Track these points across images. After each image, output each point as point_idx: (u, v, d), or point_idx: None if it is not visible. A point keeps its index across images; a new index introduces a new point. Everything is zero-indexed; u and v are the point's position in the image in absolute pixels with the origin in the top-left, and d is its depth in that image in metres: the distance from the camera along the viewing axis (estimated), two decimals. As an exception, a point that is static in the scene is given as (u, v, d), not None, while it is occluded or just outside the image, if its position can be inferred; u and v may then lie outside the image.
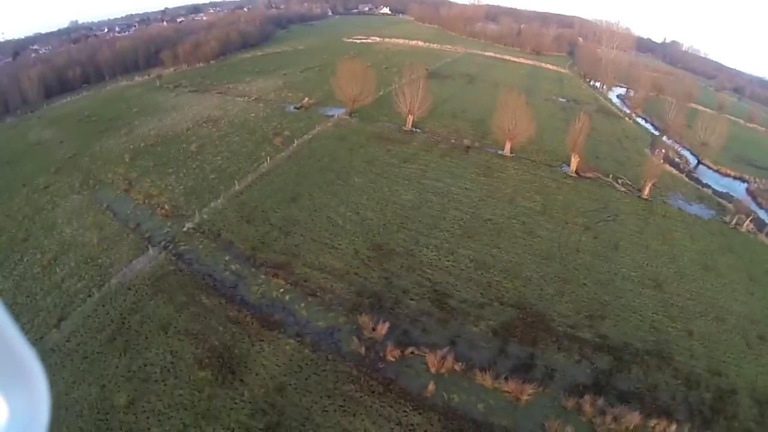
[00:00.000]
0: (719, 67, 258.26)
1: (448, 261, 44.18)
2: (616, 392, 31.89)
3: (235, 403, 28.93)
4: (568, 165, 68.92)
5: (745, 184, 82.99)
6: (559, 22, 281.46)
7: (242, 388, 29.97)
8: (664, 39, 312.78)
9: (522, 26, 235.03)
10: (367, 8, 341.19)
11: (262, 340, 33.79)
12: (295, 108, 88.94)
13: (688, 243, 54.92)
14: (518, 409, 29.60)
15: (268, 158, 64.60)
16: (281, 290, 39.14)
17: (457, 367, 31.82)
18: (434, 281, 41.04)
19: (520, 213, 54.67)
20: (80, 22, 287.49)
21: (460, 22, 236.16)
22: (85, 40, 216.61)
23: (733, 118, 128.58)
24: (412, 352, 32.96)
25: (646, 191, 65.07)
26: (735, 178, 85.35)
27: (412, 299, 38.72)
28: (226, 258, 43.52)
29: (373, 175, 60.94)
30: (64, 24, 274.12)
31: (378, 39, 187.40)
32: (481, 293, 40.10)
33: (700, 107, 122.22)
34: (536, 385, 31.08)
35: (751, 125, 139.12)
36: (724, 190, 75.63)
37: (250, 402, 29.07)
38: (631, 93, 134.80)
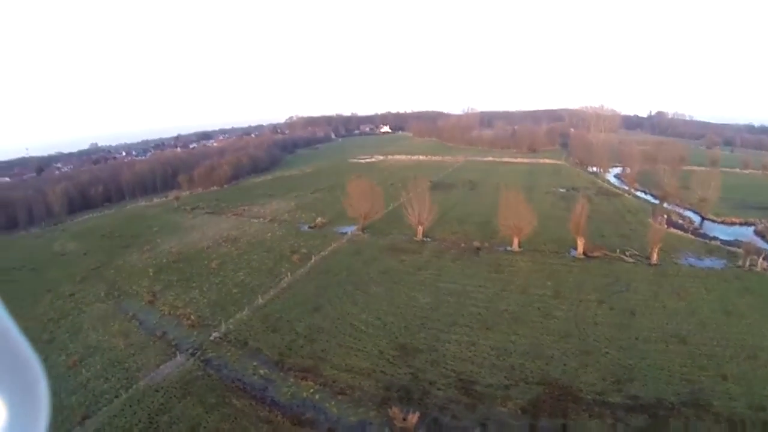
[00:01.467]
0: (706, 126, 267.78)
1: (470, 352, 44.86)
2: None
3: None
4: (575, 249, 70.81)
5: (752, 227, 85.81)
6: (549, 117, 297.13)
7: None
8: (650, 112, 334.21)
9: (515, 127, 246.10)
10: (368, 128, 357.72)
11: None
12: (309, 227, 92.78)
13: (705, 294, 55.80)
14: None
15: (288, 274, 66.91)
16: (311, 390, 39.84)
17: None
18: (458, 371, 41.58)
19: (534, 300, 55.76)
20: (100, 144, 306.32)
21: (457, 132, 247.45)
22: (104, 161, 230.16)
23: (727, 169, 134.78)
24: None
25: (654, 257, 66.68)
26: (741, 224, 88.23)
27: (439, 389, 39.18)
28: (254, 363, 44.59)
29: (390, 284, 62.67)
30: (84, 146, 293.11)
31: (381, 157, 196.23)
32: (505, 376, 40.51)
33: (695, 167, 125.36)
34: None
35: (747, 171, 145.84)
36: (733, 238, 77.71)
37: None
38: (627, 170, 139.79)
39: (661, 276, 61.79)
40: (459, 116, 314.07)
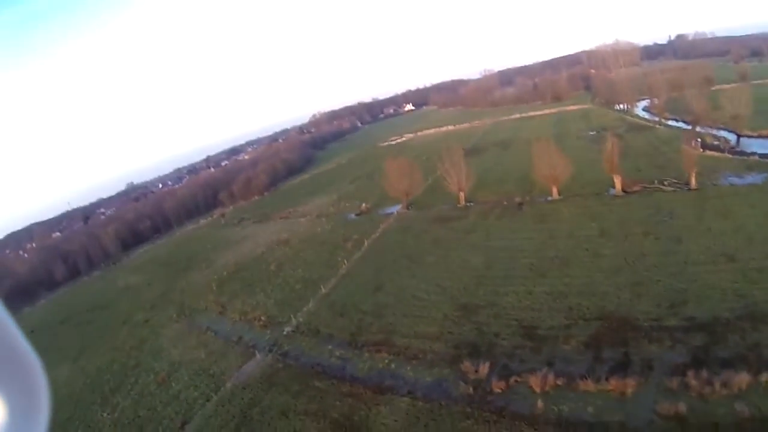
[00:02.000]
0: (730, 40, 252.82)
1: (527, 300, 46.97)
2: (718, 361, 32.72)
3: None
4: (614, 187, 71.62)
5: None
6: (568, 63, 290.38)
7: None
8: (669, 37, 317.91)
9: (536, 80, 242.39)
10: (392, 110, 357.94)
11: (378, 404, 36.95)
12: (355, 215, 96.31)
13: (749, 211, 55.87)
14: (626, 403, 31.19)
15: (345, 261, 70.13)
16: (386, 361, 42.76)
17: (559, 383, 33.98)
18: (520, 319, 43.75)
19: (581, 242, 57.41)
20: (135, 182, 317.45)
21: (479, 96, 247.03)
22: (144, 197, 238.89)
23: (759, 81, 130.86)
24: (515, 381, 35.42)
25: (693, 182, 66.88)
26: None
27: (503, 339, 41.48)
28: (329, 347, 47.81)
29: (443, 251, 65.26)
30: (121, 187, 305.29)
31: (411, 135, 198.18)
32: (564, 317, 42.44)
33: (724, 86, 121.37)
34: (637, 377, 32.80)
35: None
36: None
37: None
38: (654, 101, 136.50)
39: (703, 199, 62.28)
40: (478, 80, 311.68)
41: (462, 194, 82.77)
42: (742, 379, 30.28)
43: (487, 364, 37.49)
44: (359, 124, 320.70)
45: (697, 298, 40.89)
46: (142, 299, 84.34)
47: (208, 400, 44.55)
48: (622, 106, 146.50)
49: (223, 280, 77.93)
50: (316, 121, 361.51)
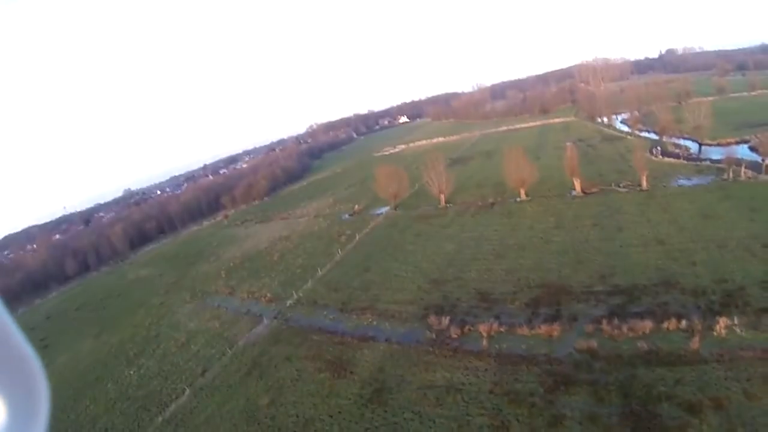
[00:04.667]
0: (718, 54, 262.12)
1: (486, 275, 57.56)
2: (630, 314, 42.08)
3: (349, 384, 41.92)
4: (575, 189, 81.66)
5: (747, 144, 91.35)
6: (560, 77, 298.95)
7: (353, 376, 43.10)
8: (660, 51, 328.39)
9: (526, 94, 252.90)
10: (386, 122, 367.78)
11: (362, 348, 47.34)
12: (349, 215, 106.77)
13: (687, 206, 65.60)
14: (552, 342, 41.15)
15: (339, 251, 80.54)
16: (369, 320, 53.55)
17: (502, 330, 44.34)
18: (478, 288, 54.38)
19: (538, 233, 67.86)
20: (132, 188, 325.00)
21: (470, 109, 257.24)
22: (144, 202, 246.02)
23: (736, 94, 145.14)
24: (469, 329, 45.80)
25: (644, 184, 76.67)
26: (737, 143, 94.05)
27: (463, 302, 52.06)
28: (324, 313, 58.43)
29: (422, 242, 76.07)
30: (118, 193, 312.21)
31: (403, 146, 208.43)
32: (513, 286, 53.02)
33: (702, 99, 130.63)
34: (563, 325, 42.93)
35: (755, 93, 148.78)
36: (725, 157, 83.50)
37: (359, 381, 42.00)
38: (633, 114, 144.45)
39: (650, 198, 72.10)
40: (471, 93, 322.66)
41: (442, 196, 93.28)
42: (647, 325, 39.92)
43: (448, 318, 47.93)
44: (355, 135, 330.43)
45: (624, 271, 50.83)
46: (155, 287, 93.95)
47: (223, 355, 54.51)
48: (603, 119, 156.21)
49: (231, 269, 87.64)
50: (313, 132, 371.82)
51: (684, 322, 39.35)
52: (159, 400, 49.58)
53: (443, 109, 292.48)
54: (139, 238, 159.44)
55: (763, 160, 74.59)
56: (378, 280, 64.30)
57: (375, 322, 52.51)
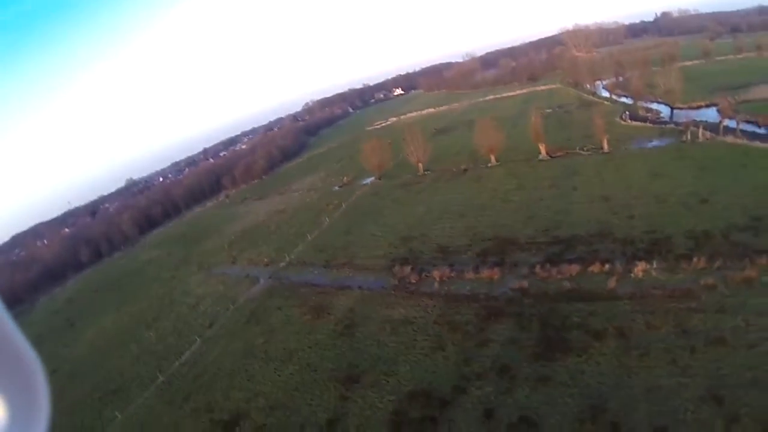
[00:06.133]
0: (713, 16, 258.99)
1: (448, 232, 66.84)
2: (564, 261, 50.39)
3: (326, 323, 51.64)
4: (541, 154, 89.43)
5: (715, 107, 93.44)
6: (552, 43, 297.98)
7: (329, 317, 52.79)
8: (655, 14, 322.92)
9: (517, 62, 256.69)
10: (382, 95, 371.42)
11: (339, 295, 57.11)
12: (338, 187, 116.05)
13: (641, 165, 71.91)
14: (492, 284, 50.22)
15: (327, 218, 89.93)
16: (347, 273, 63.36)
17: (452, 275, 53.71)
18: (439, 243, 63.72)
19: (500, 194, 76.50)
20: (135, 178, 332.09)
21: (461, 79, 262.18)
22: (147, 190, 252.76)
23: (721, 58, 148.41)
24: (425, 275, 55.31)
25: (605, 147, 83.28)
26: (707, 106, 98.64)
27: (425, 254, 61.55)
28: (311, 270, 68.39)
29: (398, 206, 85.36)
30: (121, 183, 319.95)
31: (395, 119, 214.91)
32: (469, 239, 62.31)
33: (687, 63, 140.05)
34: (504, 270, 51.99)
35: (740, 56, 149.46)
36: (691, 119, 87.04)
37: (334, 320, 51.69)
38: (615, 80, 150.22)
39: (609, 160, 79.15)
40: (461, 64, 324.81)
41: (420, 165, 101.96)
42: (574, 269, 48.10)
43: (410, 268, 57.53)
44: (350, 110, 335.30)
45: (567, 225, 59.14)
46: (165, 264, 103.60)
47: (227, 310, 64.30)
48: (588, 86, 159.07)
49: (233, 242, 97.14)
50: (310, 109, 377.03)
51: (608, 266, 46.61)
52: (175, 350, 59.14)
53: (436, 80, 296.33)
54: (147, 223, 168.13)
55: (720, 122, 79.44)
56: (357, 240, 73.80)
57: (351, 274, 62.35)
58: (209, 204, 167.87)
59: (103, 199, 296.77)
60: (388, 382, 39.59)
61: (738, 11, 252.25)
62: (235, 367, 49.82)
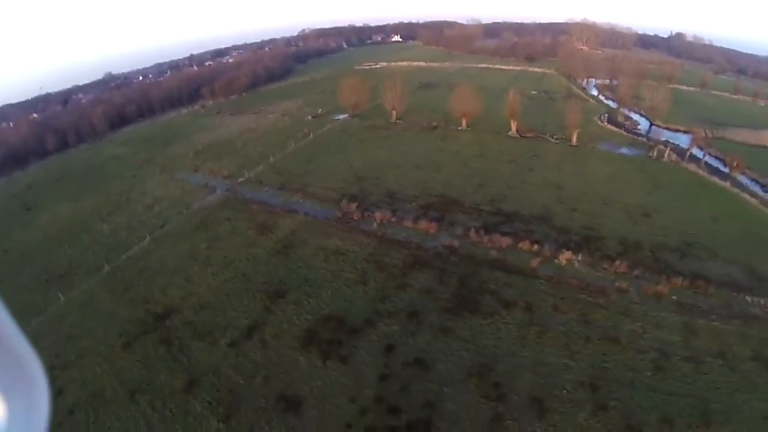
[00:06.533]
0: (725, 52, 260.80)
1: (401, 180, 70.89)
2: (498, 232, 54.70)
3: (268, 240, 55.52)
4: (511, 130, 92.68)
5: (690, 135, 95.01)
6: (560, 31, 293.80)
7: (272, 235, 56.62)
8: (671, 32, 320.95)
9: (520, 39, 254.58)
10: (380, 38, 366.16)
11: (285, 218, 60.74)
12: (311, 117, 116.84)
13: (602, 167, 76.60)
14: (427, 236, 54.39)
15: (293, 144, 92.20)
16: (298, 198, 66.81)
17: (393, 220, 57.72)
18: (389, 189, 67.66)
19: (461, 158, 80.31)
20: (114, 73, 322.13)
21: (460, 41, 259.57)
22: (125, 86, 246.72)
23: (717, 92, 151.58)
24: (368, 215, 59.37)
25: (574, 140, 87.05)
26: (684, 131, 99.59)
27: (374, 196, 65.43)
28: (265, 189, 71.45)
29: (363, 147, 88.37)
30: (99, 75, 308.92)
31: (385, 64, 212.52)
32: (418, 191, 66.41)
33: (683, 87, 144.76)
34: (441, 227, 56.04)
35: (736, 96, 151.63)
36: (664, 139, 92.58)
37: (275, 239, 55.65)
38: (610, 82, 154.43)
39: (574, 153, 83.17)
40: (464, 26, 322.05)
41: (394, 113, 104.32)
42: (505, 241, 52.39)
43: (356, 205, 61.31)
44: (345, 46, 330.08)
45: (513, 201, 63.64)
46: (129, 163, 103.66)
47: (180, 214, 66.91)
48: (583, 81, 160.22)
49: (199, 152, 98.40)
50: (305, 36, 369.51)
51: (537, 247, 51.10)
52: (125, 244, 61.42)
53: (436, 36, 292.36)
54: (119, 120, 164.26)
55: (688, 149, 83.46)
56: (315, 170, 76.94)
57: (301, 200, 65.95)
58: (184, 111, 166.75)
59: (77, 89, 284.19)
60: (309, 302, 43.88)
61: (749, 54, 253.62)
62: (177, 267, 53.14)
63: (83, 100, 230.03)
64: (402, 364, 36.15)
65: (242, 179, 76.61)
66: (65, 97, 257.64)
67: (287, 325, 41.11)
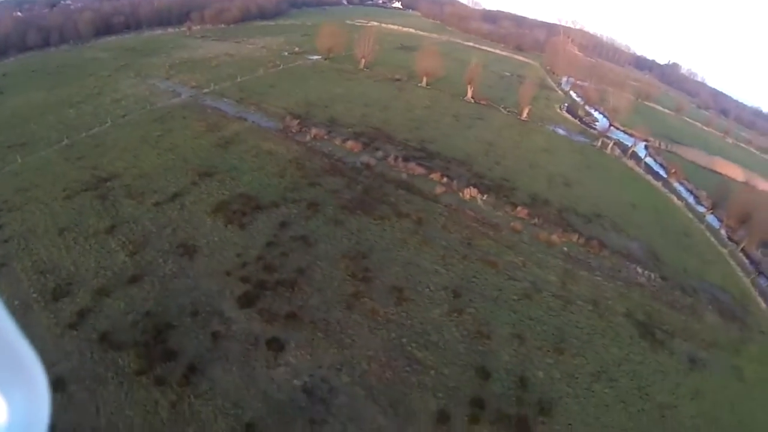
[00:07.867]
0: (713, 93, 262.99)
1: (347, 112, 78.47)
2: (416, 161, 62.31)
3: (213, 136, 62.99)
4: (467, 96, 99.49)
5: (645, 143, 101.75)
6: (557, 31, 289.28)
7: (219, 133, 64.17)
8: (668, 61, 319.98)
9: (516, 30, 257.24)
10: (381, 1, 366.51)
11: (235, 123, 68.21)
12: (287, 53, 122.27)
13: (541, 140, 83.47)
14: (350, 153, 62.21)
15: (262, 70, 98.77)
16: (251, 110, 74.25)
17: (326, 137, 65.59)
18: (333, 115, 75.44)
19: (409, 106, 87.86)
20: None
21: (455, 20, 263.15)
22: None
23: (690, 120, 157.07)
24: (304, 129, 67.06)
25: (524, 114, 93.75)
26: (639, 138, 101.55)
27: (316, 119, 72.99)
28: (225, 100, 78.39)
29: (323, 82, 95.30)
30: None
31: (376, 24, 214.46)
32: (357, 120, 74.47)
33: (658, 107, 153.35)
34: (366, 149, 63.96)
35: (707, 128, 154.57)
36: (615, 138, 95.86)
37: (219, 136, 63.08)
38: (581, 82, 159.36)
39: (520, 125, 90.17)
40: (464, 7, 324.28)
41: (363, 61, 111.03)
42: (418, 170, 59.34)
43: (297, 122, 68.96)
44: (344, 2, 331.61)
45: (442, 145, 71.21)
46: (107, 65, 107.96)
47: (143, 109, 73.49)
48: (556, 74, 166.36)
49: (174, 65, 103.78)
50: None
51: (446, 180, 57.59)
52: (87, 126, 67.36)
53: (436, 10, 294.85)
54: (105, 29, 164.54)
55: (632, 147, 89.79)
56: (274, 93, 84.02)
57: (253, 112, 73.31)
58: (171, 30, 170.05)
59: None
60: (230, 183, 51.58)
61: (736, 101, 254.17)
62: (129, 146, 59.99)
63: (72, 6, 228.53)
64: (289, 237, 43.21)
65: (207, 90, 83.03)
66: (54, 1, 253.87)
67: (206, 196, 48.62)
